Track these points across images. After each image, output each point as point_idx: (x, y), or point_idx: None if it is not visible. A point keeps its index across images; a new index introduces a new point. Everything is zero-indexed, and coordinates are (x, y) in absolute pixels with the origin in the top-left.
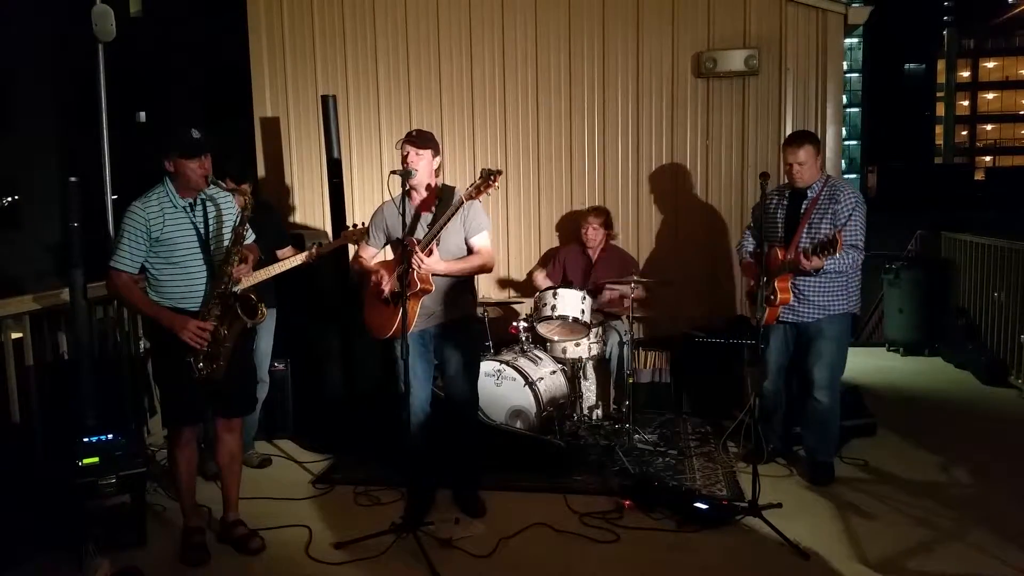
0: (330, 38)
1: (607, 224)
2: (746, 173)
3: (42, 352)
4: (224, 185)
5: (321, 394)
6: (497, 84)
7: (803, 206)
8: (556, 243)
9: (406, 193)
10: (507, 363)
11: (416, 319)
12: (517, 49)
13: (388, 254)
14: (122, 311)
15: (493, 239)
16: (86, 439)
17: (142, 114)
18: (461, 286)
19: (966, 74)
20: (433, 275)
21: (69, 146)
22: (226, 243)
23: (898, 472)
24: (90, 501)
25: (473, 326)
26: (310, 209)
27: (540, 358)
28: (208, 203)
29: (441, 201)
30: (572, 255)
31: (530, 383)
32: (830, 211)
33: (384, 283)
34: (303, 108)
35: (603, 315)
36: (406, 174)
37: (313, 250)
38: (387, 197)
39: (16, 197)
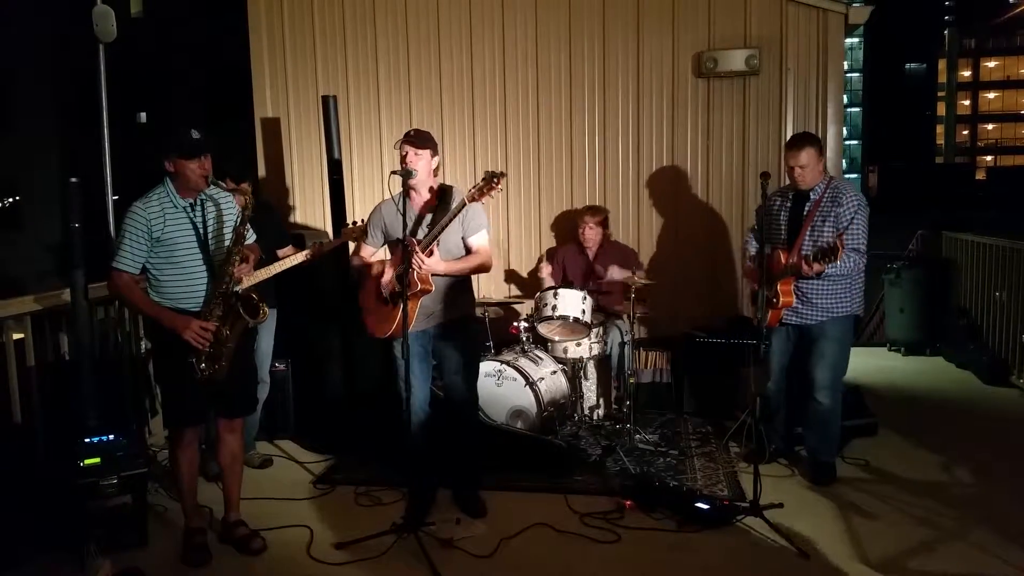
0: (330, 38)
1: (604, 223)
2: (747, 173)
3: (43, 353)
4: (224, 185)
5: (322, 394)
6: (497, 84)
7: (806, 208)
8: (556, 243)
9: (405, 193)
10: (508, 363)
11: (415, 319)
12: (517, 49)
13: (386, 253)
14: (123, 311)
15: (494, 239)
16: (87, 440)
17: (143, 114)
18: (460, 286)
19: (967, 73)
20: (432, 275)
21: (70, 147)
22: (227, 243)
23: (899, 472)
24: (91, 502)
25: (472, 326)
26: (311, 209)
27: (541, 358)
28: (208, 203)
29: (440, 201)
30: (571, 255)
31: (531, 383)
32: (832, 214)
33: (385, 281)
34: (303, 108)
35: (604, 315)
36: (407, 174)
37: (314, 248)
38: (395, 194)
39: (17, 198)
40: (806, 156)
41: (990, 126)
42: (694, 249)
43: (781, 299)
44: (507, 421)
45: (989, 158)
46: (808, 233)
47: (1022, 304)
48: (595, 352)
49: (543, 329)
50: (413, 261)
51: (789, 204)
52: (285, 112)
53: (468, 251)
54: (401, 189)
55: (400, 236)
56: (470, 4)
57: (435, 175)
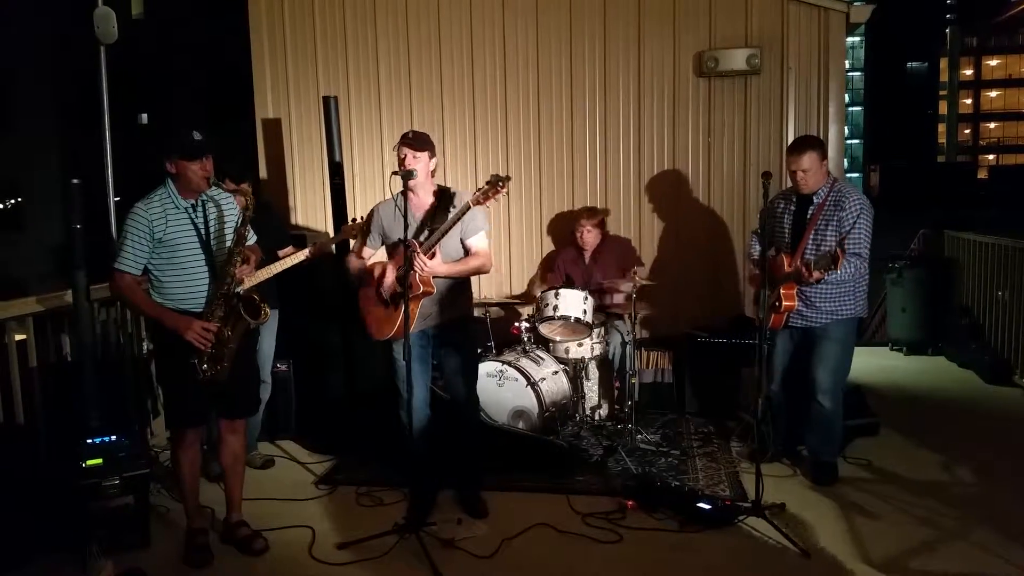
0: (331, 39)
1: (601, 224)
2: (748, 172)
3: (45, 354)
4: (224, 186)
5: (323, 395)
6: (498, 84)
7: (809, 212)
8: (556, 245)
9: (405, 195)
10: (509, 363)
11: (415, 320)
12: (518, 49)
13: (383, 255)
14: (125, 312)
15: (495, 242)
16: (90, 440)
17: (144, 116)
18: (460, 287)
19: (969, 72)
20: (433, 277)
21: (71, 148)
22: (228, 244)
23: (902, 471)
24: (94, 502)
25: (471, 326)
26: (311, 210)
27: (542, 358)
28: (210, 204)
29: (440, 203)
30: (570, 259)
31: (532, 383)
32: (835, 218)
33: (387, 284)
34: (304, 109)
35: (605, 315)
36: (407, 175)
37: (314, 247)
38: (386, 198)
39: (19, 199)
40: (808, 160)
41: (992, 125)
42: (695, 249)
43: (783, 303)
44: (509, 421)
45: (991, 157)
46: (811, 237)
47: None
48: (596, 352)
49: (544, 329)
50: (415, 264)
51: (793, 208)
52: (286, 113)
53: (467, 253)
54: (400, 191)
55: (399, 238)
56: (471, 5)
57: (433, 177)
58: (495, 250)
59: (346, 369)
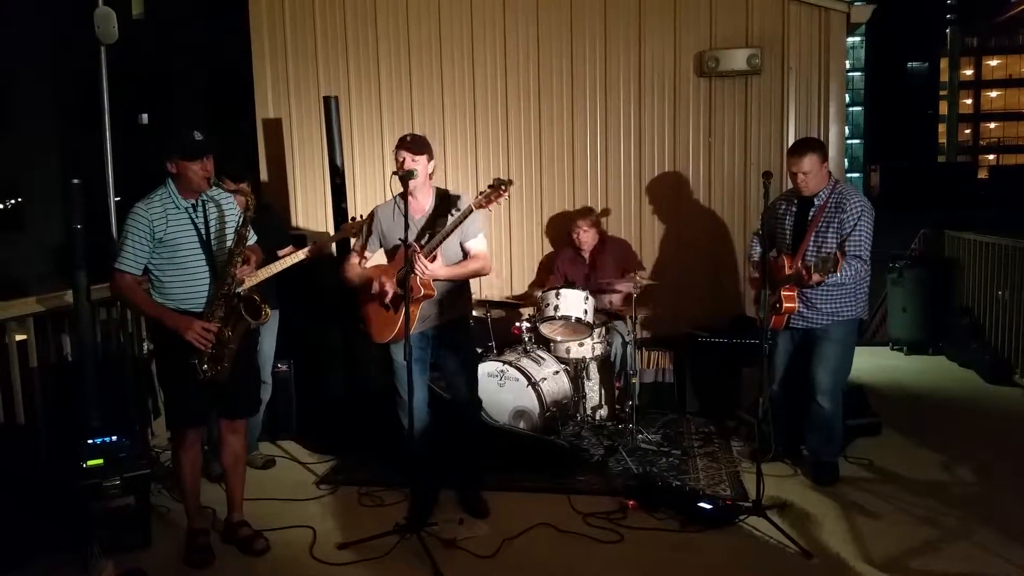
0: (332, 40)
1: (597, 224)
2: (749, 172)
3: (46, 354)
4: (224, 186)
5: (324, 395)
6: (499, 85)
7: (810, 214)
8: (556, 246)
9: (405, 197)
10: (510, 363)
11: (415, 322)
12: (519, 49)
13: (380, 258)
14: (125, 312)
15: (496, 243)
16: (90, 441)
17: (144, 116)
18: (459, 288)
19: (969, 72)
20: (434, 280)
21: (71, 148)
22: (229, 244)
23: (902, 471)
24: (94, 503)
25: (469, 326)
26: (312, 210)
27: (543, 358)
28: (210, 204)
29: (438, 206)
30: (568, 260)
31: (533, 383)
32: (836, 219)
33: (387, 289)
34: (305, 109)
35: (606, 315)
36: (408, 175)
37: (314, 246)
38: (390, 198)
39: (19, 199)
40: (809, 162)
41: (992, 125)
42: (696, 248)
43: (784, 305)
44: (510, 421)
45: (991, 157)
46: (812, 239)
47: None
48: (598, 352)
49: (545, 329)
50: (416, 267)
51: (794, 209)
52: (287, 113)
53: (465, 255)
54: (398, 193)
55: (397, 241)
56: (471, 5)
57: (431, 179)
58: (496, 251)
59: (347, 369)
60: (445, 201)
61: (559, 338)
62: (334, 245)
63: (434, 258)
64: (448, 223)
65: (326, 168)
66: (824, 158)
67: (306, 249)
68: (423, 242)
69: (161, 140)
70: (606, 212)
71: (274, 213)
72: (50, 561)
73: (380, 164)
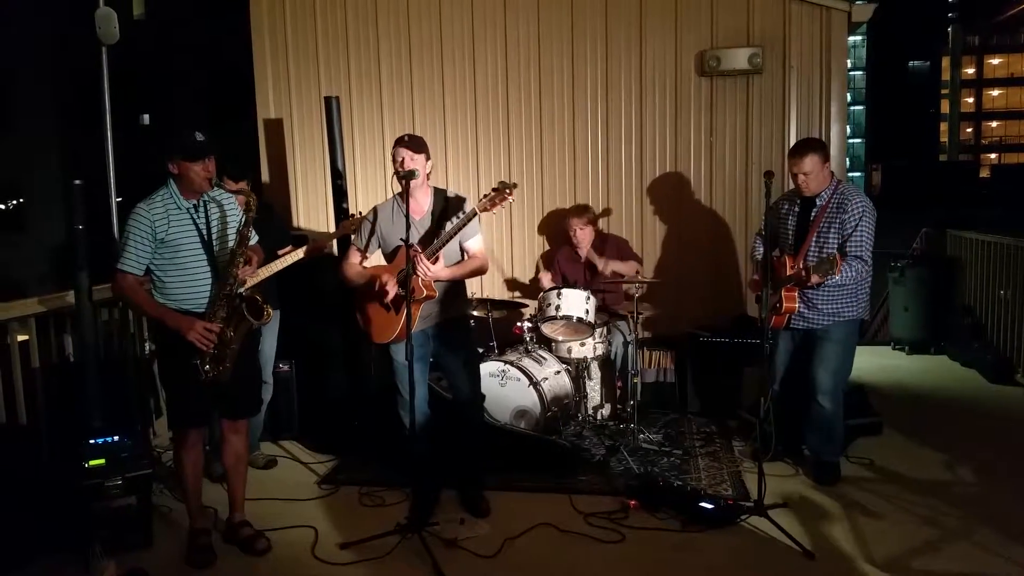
0: (333, 40)
1: (594, 221)
2: (750, 172)
3: (48, 354)
4: (225, 186)
5: (325, 395)
6: (500, 84)
7: (812, 214)
8: (555, 245)
9: (406, 197)
10: (511, 363)
11: (415, 321)
12: (520, 49)
13: (378, 259)
14: (127, 313)
15: (497, 243)
16: (92, 441)
17: (146, 116)
18: (457, 287)
19: (971, 71)
20: (435, 281)
21: (72, 148)
22: (230, 244)
23: (904, 471)
24: (96, 503)
25: (468, 324)
26: (313, 210)
27: (544, 358)
28: (212, 205)
29: (436, 205)
30: (565, 260)
31: (534, 383)
32: (838, 220)
33: (389, 288)
34: (306, 110)
35: (607, 315)
36: (409, 175)
37: (313, 244)
38: (382, 201)
39: (21, 200)
40: (810, 163)
41: (994, 123)
42: (697, 248)
43: (784, 305)
44: (511, 421)
45: (993, 156)
46: (814, 240)
47: None
48: (599, 352)
49: (547, 329)
50: (418, 269)
51: (797, 209)
52: (287, 113)
53: (463, 254)
54: (396, 193)
55: (397, 241)
56: (472, 5)
57: (428, 179)
58: (498, 250)
59: (348, 369)
60: (443, 200)
61: (560, 338)
62: (335, 243)
63: (436, 260)
64: (452, 226)
65: (327, 168)
66: (825, 158)
67: (304, 248)
68: (416, 241)
69: (162, 141)
70: (607, 212)
71: (275, 213)
72: (52, 561)
73: (381, 164)
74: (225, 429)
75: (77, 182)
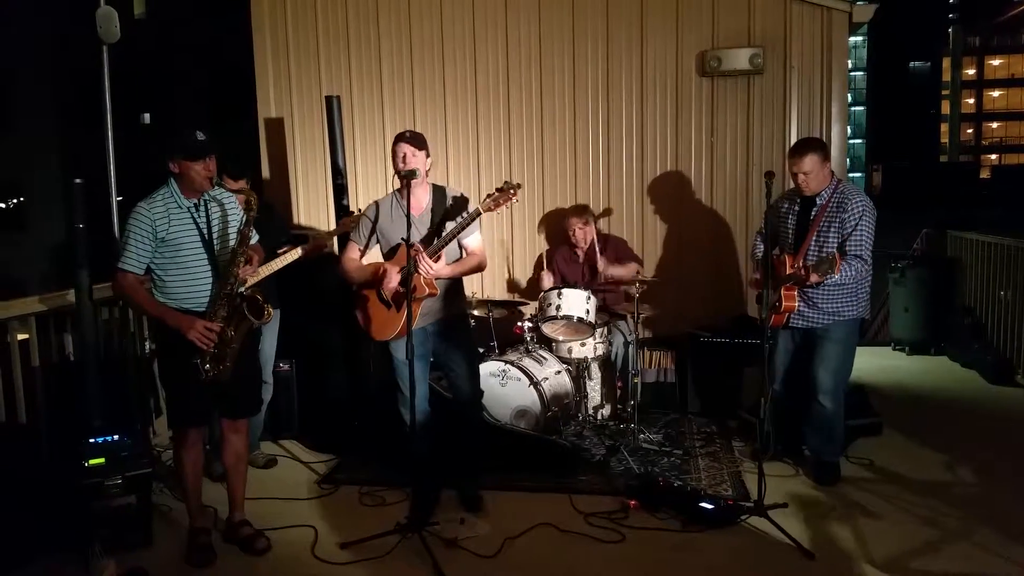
0: (334, 39)
1: (592, 222)
2: (751, 172)
3: (48, 353)
4: (225, 184)
5: (325, 394)
6: (501, 84)
7: (812, 213)
8: (554, 244)
9: (407, 195)
10: (512, 363)
11: (416, 319)
12: (521, 49)
13: (376, 255)
14: (127, 312)
15: (498, 242)
16: (92, 440)
17: (146, 115)
18: (457, 284)
19: (971, 72)
20: (436, 279)
21: (72, 147)
22: (231, 243)
23: (904, 471)
24: (96, 502)
25: (467, 322)
26: (314, 210)
27: (545, 358)
28: (212, 204)
29: (435, 202)
30: (564, 258)
31: (535, 383)
32: (838, 219)
33: (390, 287)
34: (307, 109)
35: (608, 315)
36: (410, 174)
37: (312, 242)
38: (380, 198)
39: (21, 199)
40: (809, 162)
41: (995, 124)
42: (698, 248)
43: (784, 303)
44: (511, 421)
45: (994, 156)
46: (814, 239)
47: None
48: (599, 352)
49: (547, 329)
50: (420, 268)
51: (797, 209)
52: (288, 112)
53: (462, 252)
54: (395, 190)
55: (397, 239)
56: (473, 5)
57: (427, 176)
58: (498, 251)
59: (348, 369)
60: (442, 198)
61: (561, 338)
62: (335, 240)
63: (438, 258)
64: (455, 226)
65: (328, 167)
66: (825, 158)
67: (302, 246)
68: (416, 239)
69: (163, 140)
70: (608, 212)
71: (275, 212)
72: (52, 560)
73: (382, 163)
74: (225, 428)
75: (78, 181)
